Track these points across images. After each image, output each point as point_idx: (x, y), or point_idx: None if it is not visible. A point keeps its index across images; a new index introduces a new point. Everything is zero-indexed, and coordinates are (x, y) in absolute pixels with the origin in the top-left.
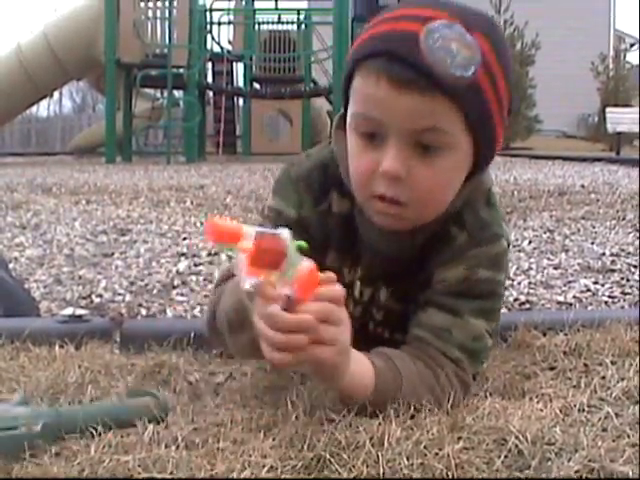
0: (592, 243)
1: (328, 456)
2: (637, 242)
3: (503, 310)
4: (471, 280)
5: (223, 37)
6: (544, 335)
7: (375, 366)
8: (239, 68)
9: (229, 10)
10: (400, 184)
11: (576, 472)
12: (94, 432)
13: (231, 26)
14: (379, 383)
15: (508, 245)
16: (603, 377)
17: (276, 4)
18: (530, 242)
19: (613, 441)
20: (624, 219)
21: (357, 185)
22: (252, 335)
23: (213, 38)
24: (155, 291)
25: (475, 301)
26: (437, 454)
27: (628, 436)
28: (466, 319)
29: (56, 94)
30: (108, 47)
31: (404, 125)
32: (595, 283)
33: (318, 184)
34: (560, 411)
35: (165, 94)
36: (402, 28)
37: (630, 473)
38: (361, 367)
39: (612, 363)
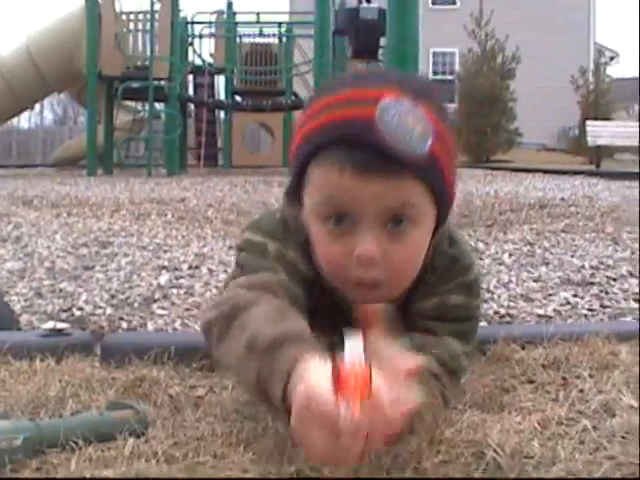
0: (572, 256)
1: (308, 470)
2: (616, 255)
3: (482, 323)
4: (445, 305)
5: (205, 50)
6: (523, 348)
7: None
8: (220, 81)
9: (211, 23)
10: (376, 266)
11: None
12: (75, 446)
13: (213, 39)
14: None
15: (479, 273)
16: (581, 390)
17: (258, 17)
18: (510, 255)
19: (590, 454)
20: (604, 232)
21: (330, 272)
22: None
23: (195, 51)
24: (136, 304)
25: (451, 324)
26: (416, 468)
27: (605, 449)
28: (444, 338)
29: (37, 106)
30: (89, 59)
31: (374, 209)
32: (575, 296)
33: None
34: (538, 424)
35: (146, 107)
36: (354, 114)
37: None
38: None
39: (590, 376)
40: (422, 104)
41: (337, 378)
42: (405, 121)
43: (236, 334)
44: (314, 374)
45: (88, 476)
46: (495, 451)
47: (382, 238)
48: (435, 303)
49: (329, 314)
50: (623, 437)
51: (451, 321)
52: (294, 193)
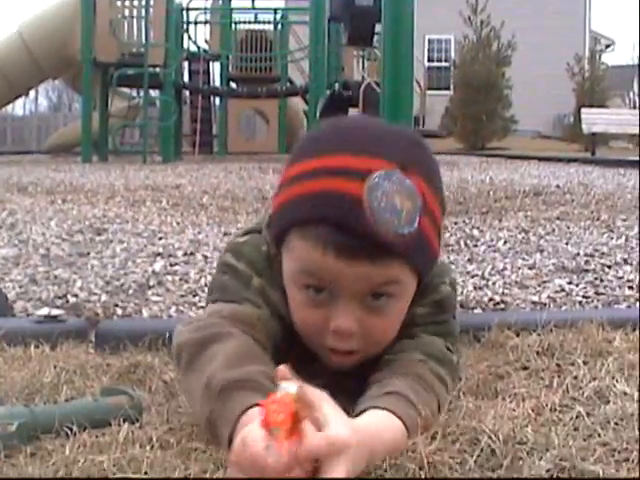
0: (567, 243)
1: None
2: (611, 242)
3: (477, 310)
4: (418, 315)
5: (200, 36)
6: (517, 335)
7: (398, 416)
8: (216, 67)
9: (206, 9)
10: (353, 338)
11: (547, 471)
12: (69, 432)
13: (208, 25)
14: (410, 427)
15: (452, 286)
16: (575, 377)
17: (253, 3)
18: (505, 242)
19: (584, 440)
20: (598, 219)
21: (306, 336)
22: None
23: (190, 37)
24: (131, 291)
25: (426, 326)
26: (411, 455)
27: (599, 435)
28: (420, 336)
29: (32, 93)
30: (84, 46)
31: (354, 288)
32: (569, 283)
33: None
34: (532, 411)
35: (141, 93)
36: (341, 188)
37: (601, 472)
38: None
39: (584, 363)
40: (412, 174)
41: (263, 412)
42: (393, 202)
43: (201, 367)
44: (254, 422)
45: (82, 461)
46: (489, 437)
47: (360, 312)
48: (409, 317)
49: (306, 358)
50: (617, 424)
51: (427, 324)
52: (275, 245)
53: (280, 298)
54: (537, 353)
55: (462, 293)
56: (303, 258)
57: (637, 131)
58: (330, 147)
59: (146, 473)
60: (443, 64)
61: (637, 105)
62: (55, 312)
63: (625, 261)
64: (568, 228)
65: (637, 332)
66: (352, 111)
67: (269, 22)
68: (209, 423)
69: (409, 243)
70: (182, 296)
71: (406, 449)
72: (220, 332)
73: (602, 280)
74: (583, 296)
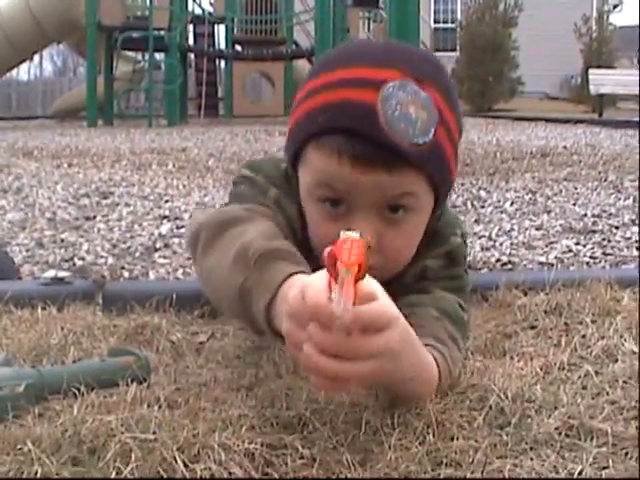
0: (574, 204)
1: (309, 415)
2: (618, 203)
3: (484, 270)
4: (430, 268)
5: None
6: (525, 295)
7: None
8: (221, 30)
9: None
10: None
11: (555, 429)
12: (77, 392)
13: None
14: (442, 373)
15: (463, 238)
16: (583, 336)
17: None
18: (512, 203)
19: (592, 398)
20: (606, 180)
21: (322, 250)
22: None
23: (194, 0)
24: (137, 254)
25: (440, 281)
26: (419, 413)
27: (607, 393)
28: (435, 291)
29: (36, 57)
30: (89, 10)
31: (372, 198)
32: (577, 244)
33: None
34: (540, 369)
35: (146, 57)
36: (356, 98)
37: (609, 430)
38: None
39: (592, 322)
40: (427, 87)
41: (331, 252)
42: (407, 110)
43: (226, 243)
44: (308, 279)
45: (90, 421)
46: (498, 396)
47: (378, 224)
48: (417, 269)
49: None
50: (625, 382)
51: (439, 279)
52: (291, 164)
53: (295, 213)
54: (545, 312)
55: (470, 254)
56: (319, 169)
57: None
58: (344, 61)
59: (154, 433)
60: (449, 25)
61: None
62: (62, 274)
63: (633, 222)
64: (575, 189)
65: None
66: None
67: None
68: (242, 292)
69: (424, 153)
70: (189, 258)
71: (415, 404)
72: (243, 216)
73: (610, 241)
74: (590, 257)
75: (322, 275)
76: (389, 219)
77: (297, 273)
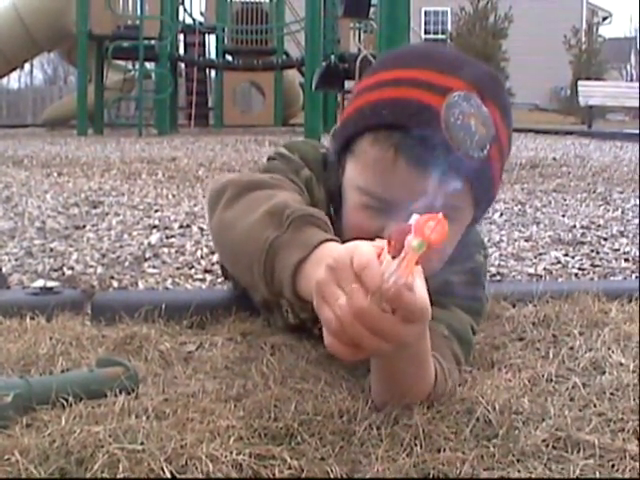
0: (563, 216)
1: (297, 426)
2: (607, 215)
3: None
4: (448, 282)
5: (195, 9)
6: (513, 306)
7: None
8: (211, 40)
9: None
10: None
11: (543, 441)
12: (65, 403)
13: None
14: (439, 383)
15: (485, 257)
16: (571, 348)
17: None
18: (501, 214)
19: (580, 410)
20: (595, 192)
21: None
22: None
23: (185, 10)
24: (127, 263)
25: (457, 298)
26: (406, 424)
27: (594, 405)
28: (451, 308)
29: (27, 66)
30: (80, 18)
31: (416, 205)
32: (565, 255)
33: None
34: (528, 381)
35: (137, 66)
36: (420, 99)
37: (596, 442)
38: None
39: (580, 334)
40: (489, 103)
41: (401, 228)
42: (469, 122)
43: (254, 199)
44: (358, 243)
45: (78, 432)
46: (486, 407)
47: None
48: (438, 281)
49: None
50: (612, 394)
51: (456, 296)
52: (338, 151)
53: (323, 198)
54: (533, 324)
55: None
56: (372, 163)
57: (634, 104)
58: (413, 62)
59: (142, 443)
60: (440, 36)
61: (634, 78)
62: (51, 284)
63: (621, 233)
64: (564, 200)
65: (633, 303)
66: (348, 84)
67: None
68: (271, 247)
69: (476, 167)
70: (178, 268)
71: (402, 416)
72: (271, 182)
73: (598, 252)
74: (579, 268)
75: (372, 244)
76: None
77: (332, 241)
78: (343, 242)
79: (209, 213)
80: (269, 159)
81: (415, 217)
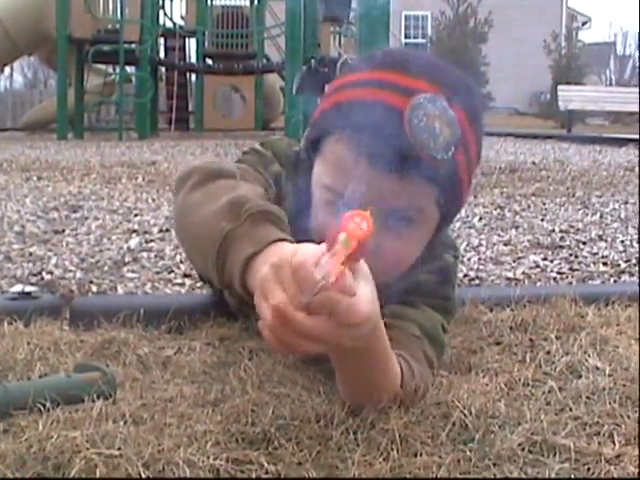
0: (542, 220)
1: (274, 431)
2: (586, 219)
3: None
4: (422, 282)
5: (175, 12)
6: (491, 311)
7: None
8: (192, 44)
9: None
10: None
11: (519, 445)
12: (42, 408)
13: (183, 1)
14: (405, 383)
15: (456, 257)
16: (548, 352)
17: None
18: (480, 219)
19: (556, 414)
20: (574, 196)
21: (318, 238)
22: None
23: (165, 14)
24: (106, 268)
25: (426, 297)
26: (383, 428)
27: (570, 409)
28: (422, 308)
29: (7, 69)
30: (59, 22)
31: (380, 204)
32: (544, 259)
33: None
34: (505, 385)
35: (117, 70)
36: (385, 100)
37: (572, 446)
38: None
39: (557, 338)
40: (456, 107)
41: (331, 235)
42: (433, 124)
43: (218, 187)
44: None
45: (55, 437)
46: (462, 412)
47: (379, 231)
48: (407, 281)
49: None
50: (588, 398)
51: (425, 295)
52: (308, 150)
53: (292, 194)
54: (510, 328)
55: None
56: (335, 163)
57: (613, 108)
58: (382, 64)
59: (119, 449)
60: (420, 40)
61: (613, 82)
62: (29, 289)
63: (600, 237)
64: (543, 204)
65: (610, 307)
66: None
67: None
68: (227, 238)
69: (440, 170)
70: (157, 273)
71: (379, 420)
72: (237, 173)
73: (577, 256)
74: (558, 272)
75: (318, 247)
76: (390, 228)
77: (287, 241)
78: (301, 241)
79: (174, 196)
80: (243, 153)
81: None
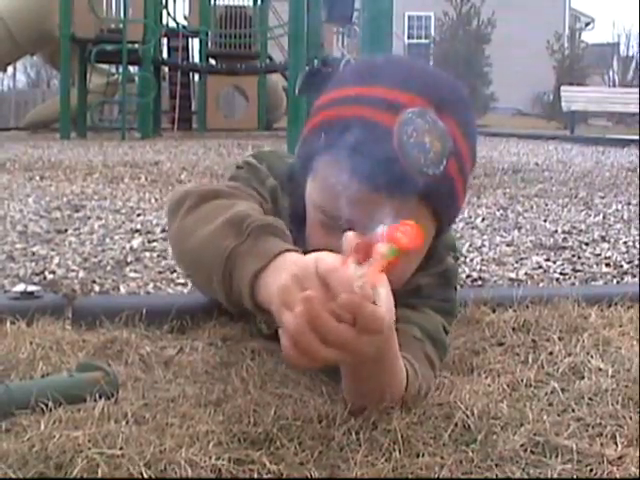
0: (545, 220)
1: (276, 431)
2: (588, 220)
3: None
4: (423, 286)
5: (179, 12)
6: (493, 311)
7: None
8: (195, 44)
9: None
10: None
11: (521, 445)
12: (44, 408)
13: (187, 1)
14: (410, 386)
15: (457, 260)
16: (550, 353)
17: None
18: (483, 219)
19: (558, 415)
20: (576, 197)
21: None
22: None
23: (169, 13)
24: (109, 267)
25: (428, 299)
26: (385, 429)
27: (573, 410)
28: (423, 310)
29: (10, 69)
30: (63, 22)
31: (369, 220)
32: (547, 260)
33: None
34: (507, 386)
35: (120, 69)
36: (373, 117)
37: (574, 447)
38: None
39: (559, 339)
40: (446, 118)
41: (361, 246)
42: (423, 140)
43: (214, 208)
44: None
45: (57, 437)
46: (464, 412)
47: None
48: (411, 285)
49: None
50: (591, 399)
51: (427, 297)
52: (300, 166)
53: (288, 210)
54: (513, 329)
55: None
56: (327, 181)
57: (616, 109)
58: (368, 78)
59: (121, 448)
60: (423, 41)
61: (616, 83)
62: (31, 288)
63: (603, 238)
64: (546, 205)
65: (612, 308)
66: None
67: None
68: (231, 255)
69: (432, 184)
70: (160, 272)
71: (381, 421)
72: (231, 192)
73: (579, 257)
74: (560, 273)
75: (337, 255)
76: None
77: (292, 251)
78: (304, 253)
79: (169, 222)
80: (237, 167)
81: (382, 227)
